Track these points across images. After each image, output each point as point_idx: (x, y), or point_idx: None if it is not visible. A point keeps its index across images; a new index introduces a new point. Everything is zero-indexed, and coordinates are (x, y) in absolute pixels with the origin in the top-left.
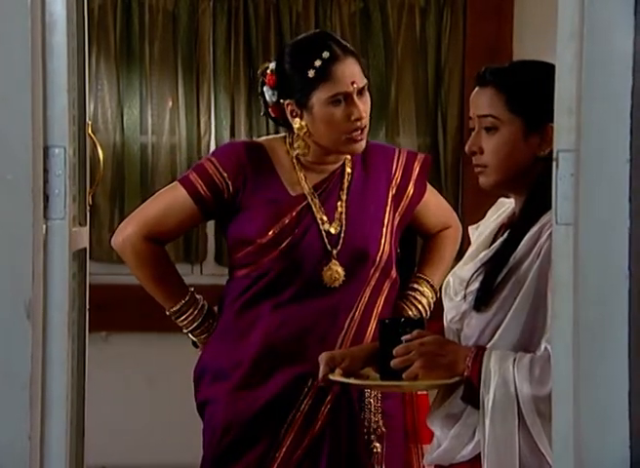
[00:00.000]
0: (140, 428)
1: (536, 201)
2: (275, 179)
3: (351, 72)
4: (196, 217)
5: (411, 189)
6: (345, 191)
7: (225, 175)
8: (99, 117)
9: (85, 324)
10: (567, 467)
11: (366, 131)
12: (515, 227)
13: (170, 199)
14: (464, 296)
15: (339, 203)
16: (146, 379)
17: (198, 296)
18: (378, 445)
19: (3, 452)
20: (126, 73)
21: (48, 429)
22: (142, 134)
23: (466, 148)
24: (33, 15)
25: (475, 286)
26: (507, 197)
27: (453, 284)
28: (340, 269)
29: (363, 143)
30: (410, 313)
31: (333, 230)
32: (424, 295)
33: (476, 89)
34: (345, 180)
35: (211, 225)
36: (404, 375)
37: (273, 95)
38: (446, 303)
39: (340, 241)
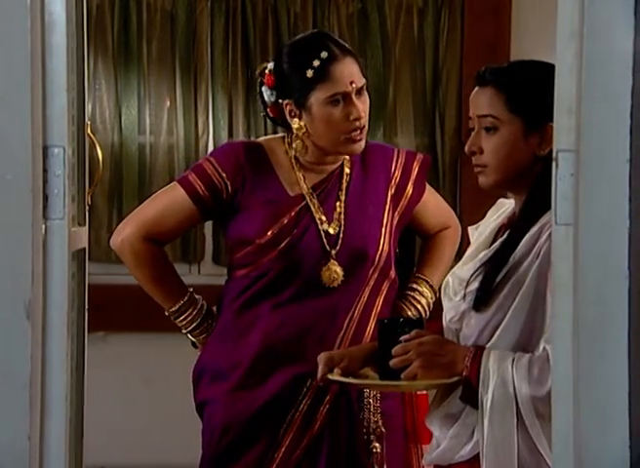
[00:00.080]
0: (139, 428)
1: (535, 201)
2: (274, 180)
3: (350, 72)
4: (195, 218)
5: (410, 189)
6: (344, 191)
7: (224, 175)
8: (96, 117)
9: (84, 324)
10: (567, 467)
11: (365, 131)
12: (515, 227)
13: (168, 199)
14: (464, 296)
15: (337, 203)
16: (144, 379)
17: (197, 296)
18: (377, 445)
19: (3, 452)
20: (124, 73)
21: (47, 429)
22: (140, 134)
23: (466, 148)
24: (33, 14)
25: (475, 285)
26: (506, 197)
27: (452, 284)
28: (338, 269)
29: (362, 144)
30: (409, 313)
31: (331, 230)
32: (424, 296)
33: (476, 89)
34: (344, 180)
35: (208, 225)
36: (403, 375)
37: (272, 95)
38: (445, 303)
39: (339, 241)
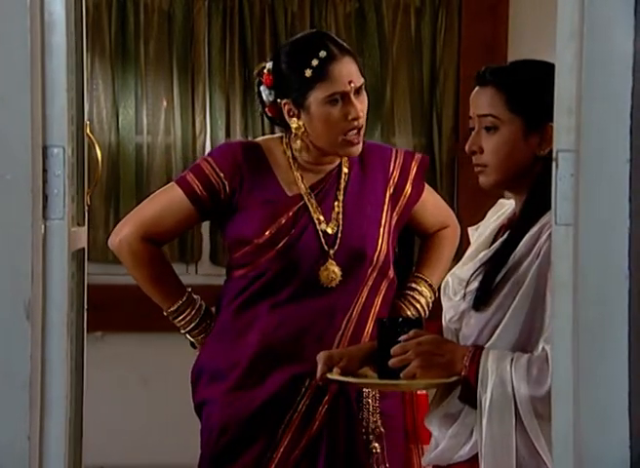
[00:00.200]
0: (137, 428)
1: (535, 201)
2: (272, 180)
3: (348, 71)
4: (193, 218)
5: (408, 189)
6: (342, 191)
7: (222, 175)
8: (94, 117)
9: (83, 324)
10: (567, 467)
11: (362, 132)
12: (515, 227)
13: (166, 199)
14: (464, 296)
15: (335, 203)
16: (142, 379)
17: (195, 297)
18: (377, 445)
19: (2, 452)
20: (121, 73)
21: (47, 429)
22: (138, 133)
23: (466, 148)
24: (32, 14)
25: (474, 285)
26: (505, 197)
27: (452, 284)
28: (336, 269)
29: (359, 147)
30: (408, 313)
31: (330, 230)
32: (423, 295)
33: (476, 88)
34: (342, 180)
35: (206, 225)
36: (402, 375)
37: (270, 94)
38: (445, 303)
39: (337, 241)
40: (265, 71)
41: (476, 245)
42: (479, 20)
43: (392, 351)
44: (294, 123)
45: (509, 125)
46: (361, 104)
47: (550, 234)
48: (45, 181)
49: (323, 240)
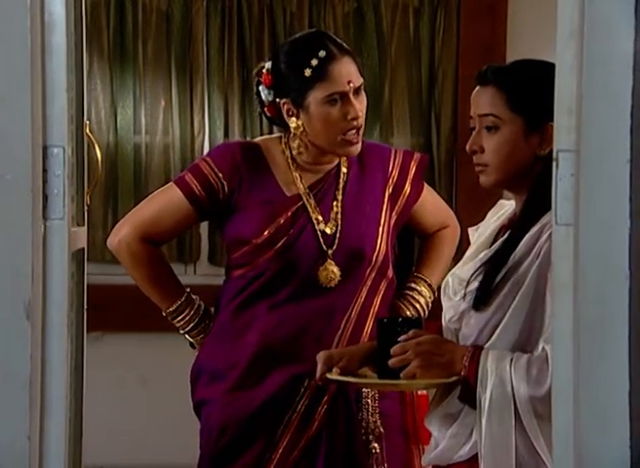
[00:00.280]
0: (137, 428)
1: (536, 201)
2: (270, 180)
3: (348, 71)
4: (192, 218)
5: (408, 188)
6: (341, 191)
7: (221, 175)
8: (92, 117)
9: (83, 324)
10: (567, 467)
11: (361, 132)
12: (515, 227)
13: (165, 200)
14: (464, 296)
15: (334, 203)
16: (142, 379)
17: (194, 297)
18: (376, 445)
19: (3, 452)
20: (119, 73)
21: (47, 429)
22: (136, 133)
23: (467, 147)
24: (32, 14)
25: (474, 285)
26: (505, 197)
27: (452, 284)
28: (335, 269)
29: (358, 147)
30: (408, 313)
31: (328, 230)
32: (422, 295)
33: (477, 88)
34: (341, 180)
35: (204, 225)
36: (401, 375)
37: (269, 94)
38: (445, 303)
39: (336, 241)
40: (264, 71)
41: (476, 245)
42: (478, 20)
43: (392, 351)
44: (293, 122)
45: (510, 124)
46: (360, 104)
47: (550, 234)
48: (45, 181)
49: (322, 240)
